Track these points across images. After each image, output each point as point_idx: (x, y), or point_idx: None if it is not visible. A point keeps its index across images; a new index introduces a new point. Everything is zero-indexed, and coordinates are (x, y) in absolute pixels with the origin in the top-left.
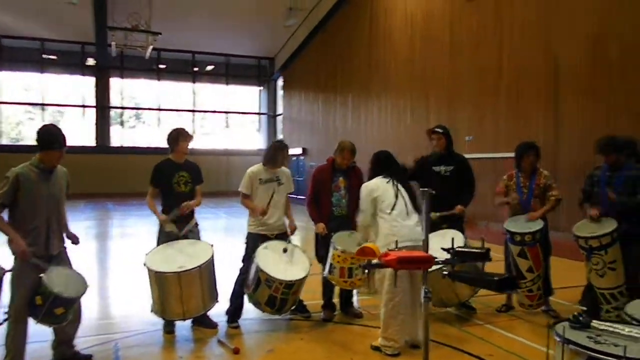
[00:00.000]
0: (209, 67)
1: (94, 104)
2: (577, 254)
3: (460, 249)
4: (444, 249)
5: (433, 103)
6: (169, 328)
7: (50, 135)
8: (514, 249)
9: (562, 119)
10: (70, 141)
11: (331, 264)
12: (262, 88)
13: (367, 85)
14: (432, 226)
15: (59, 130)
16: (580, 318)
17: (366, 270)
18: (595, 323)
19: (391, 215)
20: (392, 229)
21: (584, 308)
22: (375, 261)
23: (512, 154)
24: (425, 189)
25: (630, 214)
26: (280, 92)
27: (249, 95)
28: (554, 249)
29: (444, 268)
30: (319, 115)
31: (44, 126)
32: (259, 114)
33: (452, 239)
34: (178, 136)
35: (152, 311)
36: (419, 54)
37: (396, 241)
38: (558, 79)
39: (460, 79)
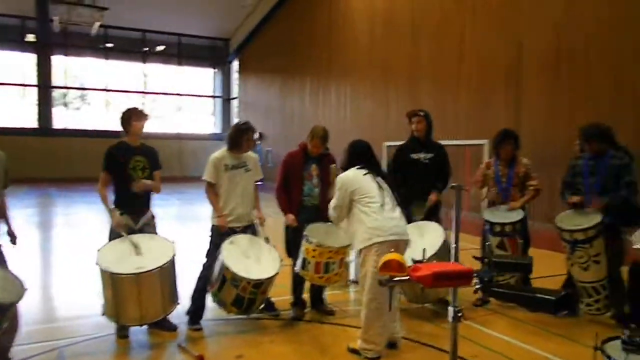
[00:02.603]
0: (160, 47)
1: (35, 83)
2: (545, 243)
3: (498, 259)
4: (476, 258)
5: (393, 88)
6: (122, 332)
7: None
8: (494, 240)
9: (523, 106)
10: (9, 122)
11: (305, 259)
12: (216, 70)
13: (326, 69)
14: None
15: None
16: (637, 339)
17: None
18: None
19: (373, 208)
20: (374, 222)
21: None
22: (400, 277)
23: (473, 141)
24: (456, 184)
25: (615, 207)
26: (235, 75)
27: (203, 78)
28: None
29: (475, 282)
30: (276, 99)
31: None
32: (213, 97)
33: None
34: (131, 115)
35: (103, 314)
36: (380, 38)
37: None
38: (521, 66)
39: (421, 64)
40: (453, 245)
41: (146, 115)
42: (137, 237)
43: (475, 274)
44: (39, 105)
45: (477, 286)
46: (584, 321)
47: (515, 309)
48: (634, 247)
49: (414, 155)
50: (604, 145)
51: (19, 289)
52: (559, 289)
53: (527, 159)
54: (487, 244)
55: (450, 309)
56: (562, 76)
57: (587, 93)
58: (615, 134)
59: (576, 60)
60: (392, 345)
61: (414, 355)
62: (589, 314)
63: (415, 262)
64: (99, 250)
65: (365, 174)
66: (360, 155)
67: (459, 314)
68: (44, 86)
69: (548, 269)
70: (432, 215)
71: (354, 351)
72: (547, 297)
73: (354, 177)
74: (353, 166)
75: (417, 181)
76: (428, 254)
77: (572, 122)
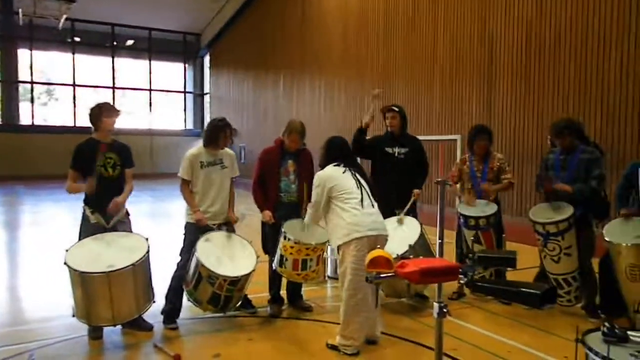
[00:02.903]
0: (130, 42)
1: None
2: (516, 236)
3: (483, 254)
4: (463, 255)
5: (367, 84)
6: (95, 333)
7: None
8: (468, 233)
9: (494, 102)
10: None
11: (282, 256)
12: (187, 65)
13: (300, 64)
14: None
15: None
16: (616, 330)
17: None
18: (632, 335)
19: (352, 204)
20: (353, 217)
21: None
22: (386, 274)
23: (446, 137)
24: (441, 179)
25: (585, 199)
26: (207, 70)
27: (174, 73)
28: None
29: (461, 276)
30: (249, 94)
31: None
32: (184, 92)
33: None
34: (102, 111)
35: (74, 316)
36: (354, 33)
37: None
38: (492, 62)
39: (394, 61)
40: (438, 241)
41: (118, 110)
42: (109, 235)
43: (460, 270)
44: (4, 100)
45: (462, 281)
46: (556, 312)
47: (490, 302)
48: (605, 239)
49: (389, 149)
50: (574, 140)
51: None
52: (533, 282)
53: (501, 154)
54: (471, 238)
55: (436, 305)
56: (532, 73)
57: (556, 89)
58: (584, 128)
59: (545, 57)
60: (371, 342)
61: (393, 350)
62: (560, 305)
63: (400, 257)
64: (67, 250)
65: (344, 171)
66: (338, 151)
67: (445, 310)
68: (9, 81)
69: (519, 262)
70: (409, 209)
71: (333, 347)
72: (532, 291)
73: (332, 174)
74: (331, 163)
75: (391, 175)
76: (404, 248)
77: (541, 119)
